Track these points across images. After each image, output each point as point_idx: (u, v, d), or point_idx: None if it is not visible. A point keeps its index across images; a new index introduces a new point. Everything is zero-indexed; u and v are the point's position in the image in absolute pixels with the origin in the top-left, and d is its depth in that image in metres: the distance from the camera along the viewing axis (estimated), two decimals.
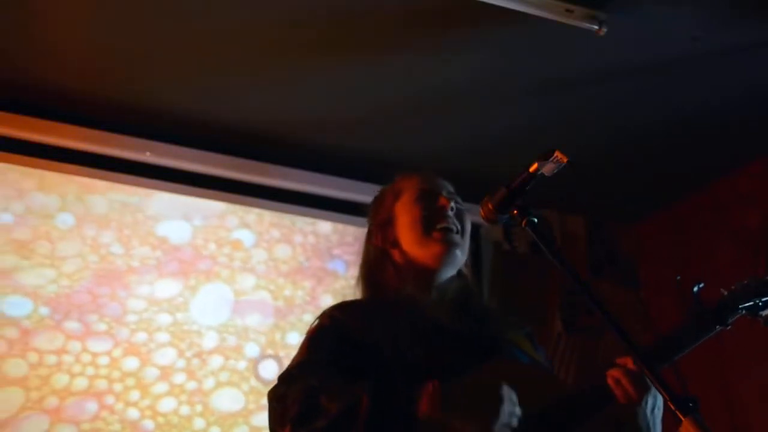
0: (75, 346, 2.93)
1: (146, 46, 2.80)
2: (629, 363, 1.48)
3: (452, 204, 1.73)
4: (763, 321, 1.52)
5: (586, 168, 3.16)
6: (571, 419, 1.47)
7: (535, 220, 1.41)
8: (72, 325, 2.95)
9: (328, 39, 2.78)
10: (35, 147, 3.09)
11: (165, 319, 3.09)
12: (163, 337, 3.06)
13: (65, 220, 3.08)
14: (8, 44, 2.80)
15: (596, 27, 2.59)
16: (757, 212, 3.49)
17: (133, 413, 2.92)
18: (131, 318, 3.04)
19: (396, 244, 1.75)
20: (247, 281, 3.28)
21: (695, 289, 1.50)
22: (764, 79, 2.98)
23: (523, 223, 1.42)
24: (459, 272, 1.77)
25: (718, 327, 1.50)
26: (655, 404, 1.49)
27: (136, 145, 3.22)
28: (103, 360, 2.96)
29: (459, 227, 1.72)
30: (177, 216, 3.27)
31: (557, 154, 1.36)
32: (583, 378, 3.61)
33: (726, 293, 1.52)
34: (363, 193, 3.45)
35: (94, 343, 2.96)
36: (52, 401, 2.84)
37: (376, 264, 1.76)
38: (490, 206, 1.46)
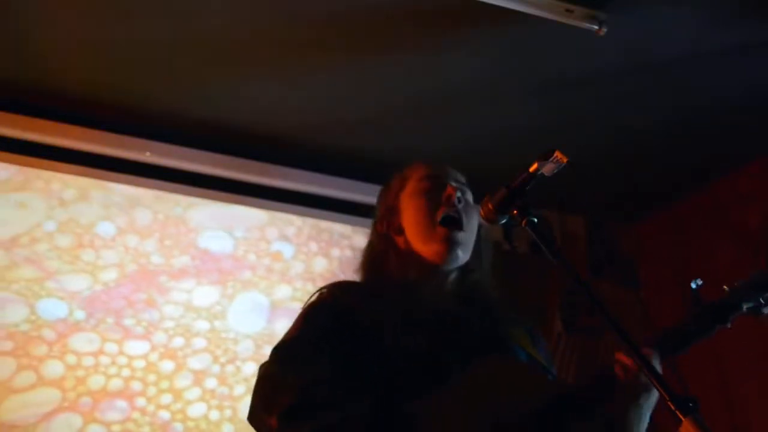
0: (112, 348, 2.98)
1: (146, 46, 2.80)
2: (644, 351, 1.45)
3: (458, 194, 1.69)
4: (765, 319, 1.51)
5: (586, 168, 3.16)
6: (565, 418, 1.45)
7: (535, 220, 1.40)
8: (109, 328, 3.00)
9: (329, 39, 2.78)
10: (35, 147, 3.09)
11: (202, 325, 3.14)
12: (199, 342, 3.11)
13: (107, 229, 3.14)
14: (8, 44, 2.80)
15: (596, 27, 2.59)
16: (757, 212, 3.49)
17: (164, 415, 2.96)
18: (169, 324, 3.08)
19: (400, 231, 1.72)
20: (284, 291, 3.32)
21: (693, 285, 1.49)
22: (764, 79, 2.98)
23: (523, 223, 1.41)
24: (463, 267, 1.73)
25: (718, 326, 1.49)
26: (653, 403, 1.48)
27: (136, 145, 3.22)
28: (139, 363, 3.01)
29: (463, 217, 1.67)
30: (219, 227, 3.31)
31: (557, 154, 1.36)
32: (583, 378, 3.61)
33: (727, 290, 1.50)
34: (363, 193, 3.47)
35: (130, 346, 3.01)
36: (86, 401, 2.88)
37: (379, 250, 1.74)
38: (490, 206, 1.46)
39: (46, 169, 3.11)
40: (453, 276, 1.70)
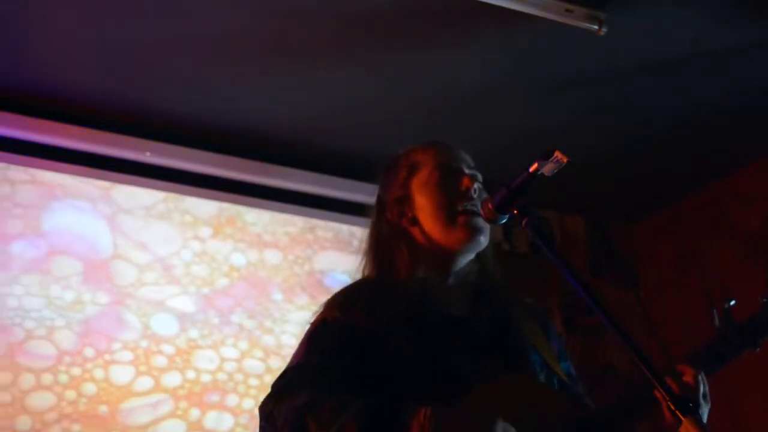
0: (230, 366, 3.12)
1: (146, 46, 2.80)
2: (687, 373, 1.40)
3: (476, 185, 1.64)
4: None
5: (586, 168, 3.15)
6: None
7: (535, 220, 1.40)
8: (226, 348, 3.14)
9: (329, 39, 2.78)
10: (35, 147, 3.09)
11: None
12: None
13: (239, 261, 3.29)
14: (8, 44, 2.80)
15: (596, 27, 2.59)
16: (757, 212, 3.49)
17: None
18: (287, 351, 3.14)
19: (415, 222, 1.66)
20: None
21: (726, 306, 1.43)
22: (764, 79, 2.98)
23: (523, 223, 1.41)
24: (478, 256, 1.69)
25: (747, 348, 1.45)
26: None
27: (136, 145, 3.22)
28: (254, 381, 3.13)
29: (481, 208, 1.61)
30: (343, 270, 3.36)
31: (557, 154, 1.35)
32: (584, 378, 3.61)
33: (758, 310, 1.45)
34: (363, 193, 3.44)
35: (248, 365, 3.15)
36: (196, 413, 3.01)
37: (390, 242, 1.67)
38: (490, 206, 1.46)
39: (47, 169, 3.11)
40: (470, 273, 1.67)
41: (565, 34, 2.64)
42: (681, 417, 1.17)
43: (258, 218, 3.38)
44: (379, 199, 1.78)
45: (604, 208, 3.96)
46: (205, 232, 3.29)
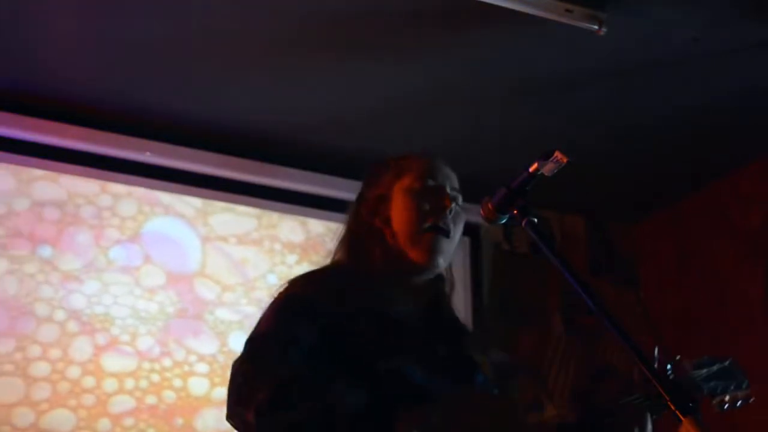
0: None
1: (146, 46, 2.80)
2: None
3: (453, 205, 1.66)
4: (717, 406, 1.52)
5: (586, 168, 3.15)
6: None
7: (535, 220, 1.40)
8: None
9: (328, 39, 2.78)
10: (36, 147, 3.09)
11: None
12: None
13: None
14: (8, 44, 2.80)
15: (596, 27, 2.59)
16: (758, 212, 3.49)
17: None
18: None
19: (388, 223, 1.68)
20: None
21: (669, 366, 1.44)
22: (764, 79, 2.98)
23: (523, 223, 1.41)
24: (442, 274, 1.72)
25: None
26: None
27: (136, 145, 3.22)
28: None
29: (452, 228, 1.66)
30: None
31: (557, 154, 1.36)
32: (584, 378, 3.61)
33: (686, 371, 1.49)
34: None
35: None
36: None
37: (364, 239, 1.70)
38: (490, 206, 1.46)
39: (47, 169, 3.11)
40: (423, 280, 1.69)
41: (565, 34, 2.64)
42: (681, 417, 1.17)
43: None
44: (360, 195, 1.80)
45: (604, 208, 3.96)
46: (292, 258, 3.38)
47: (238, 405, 1.39)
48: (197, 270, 3.21)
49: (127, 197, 3.20)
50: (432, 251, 1.63)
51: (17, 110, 3.05)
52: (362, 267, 1.66)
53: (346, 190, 3.46)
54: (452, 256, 1.70)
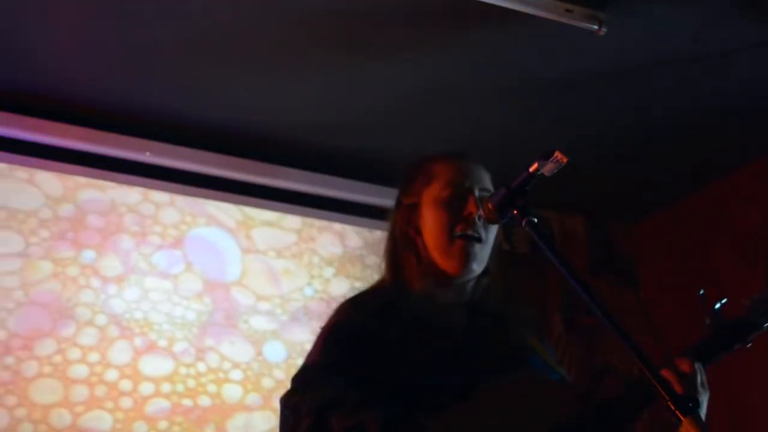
0: None
1: (146, 46, 2.80)
2: (684, 364, 1.45)
3: (480, 212, 1.60)
4: None
5: (586, 168, 3.16)
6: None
7: (535, 220, 1.40)
8: None
9: (328, 39, 2.78)
10: (35, 147, 3.09)
11: None
12: None
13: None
14: (8, 44, 2.80)
15: (596, 27, 2.59)
16: (757, 212, 3.49)
17: None
18: None
19: (419, 232, 1.69)
20: None
21: (717, 305, 1.48)
22: (764, 79, 2.98)
23: (523, 223, 1.41)
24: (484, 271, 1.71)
25: (738, 345, 1.50)
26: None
27: (136, 145, 3.22)
28: None
29: (482, 234, 1.64)
30: None
31: (557, 154, 1.36)
32: (583, 378, 3.61)
33: (746, 308, 1.50)
34: (363, 193, 3.47)
35: None
36: None
37: (401, 247, 1.70)
38: (490, 206, 1.46)
39: (47, 169, 3.11)
40: (468, 285, 1.69)
41: (565, 34, 2.64)
42: (681, 417, 1.17)
43: (376, 260, 3.46)
44: (397, 201, 1.79)
45: (604, 208, 3.96)
46: (329, 271, 3.42)
47: None
48: (235, 279, 3.28)
49: (169, 206, 3.27)
50: (464, 259, 1.63)
51: (17, 110, 3.05)
52: (401, 282, 1.67)
53: (346, 190, 3.48)
54: (487, 258, 1.68)
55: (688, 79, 2.98)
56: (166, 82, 3.01)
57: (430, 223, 1.67)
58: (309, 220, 3.47)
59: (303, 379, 1.53)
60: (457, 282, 1.67)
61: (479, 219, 1.62)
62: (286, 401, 1.50)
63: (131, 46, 2.80)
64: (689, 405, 1.18)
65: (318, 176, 3.46)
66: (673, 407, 1.18)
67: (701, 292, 1.49)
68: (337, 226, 3.50)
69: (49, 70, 2.94)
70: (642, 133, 3.34)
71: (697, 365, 1.44)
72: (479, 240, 1.64)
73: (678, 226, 3.88)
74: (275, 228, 3.42)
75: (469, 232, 1.63)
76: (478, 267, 1.66)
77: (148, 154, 3.23)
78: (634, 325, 3.58)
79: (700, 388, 1.43)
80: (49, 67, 2.92)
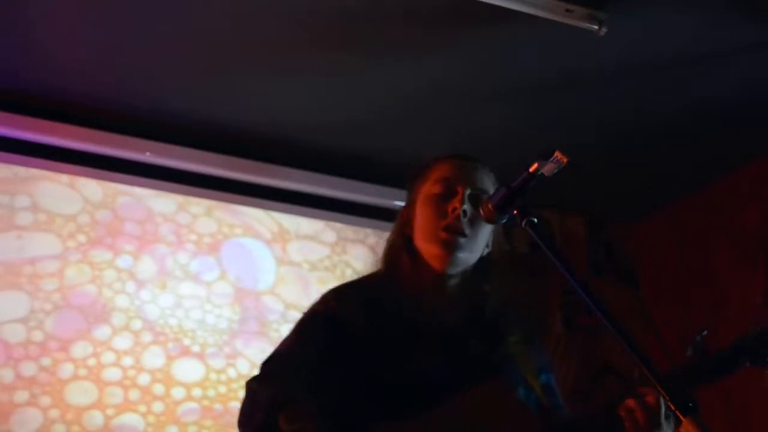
0: None
1: (146, 45, 2.80)
2: (650, 396, 1.44)
3: (465, 207, 1.63)
4: None
5: (586, 168, 3.16)
6: None
7: (535, 220, 1.40)
8: None
9: (328, 39, 2.78)
10: (35, 147, 3.09)
11: None
12: None
13: None
14: (8, 44, 2.80)
15: (596, 27, 2.58)
16: (757, 212, 3.49)
17: None
18: None
19: (412, 228, 1.70)
20: None
21: (698, 339, 1.49)
22: (764, 79, 2.98)
23: (523, 223, 1.41)
24: (483, 268, 1.70)
25: (716, 378, 1.54)
26: None
27: (136, 145, 3.22)
28: None
29: (466, 229, 1.62)
30: None
31: (557, 154, 1.36)
32: (584, 378, 3.61)
33: (731, 343, 1.54)
34: (363, 193, 3.48)
35: None
36: None
37: (396, 244, 1.71)
38: (490, 206, 1.46)
39: (46, 169, 3.11)
40: (456, 283, 1.67)
41: (565, 34, 2.64)
42: (681, 417, 1.17)
43: None
44: (406, 201, 1.81)
45: (604, 208, 3.96)
46: None
47: (240, 425, 1.47)
48: (268, 288, 3.35)
49: (205, 216, 3.34)
50: (446, 253, 1.62)
51: (17, 110, 3.06)
52: (394, 275, 1.67)
53: (347, 190, 3.48)
54: (476, 252, 1.67)
55: (687, 79, 2.98)
56: (166, 82, 3.01)
57: (419, 218, 1.68)
58: (343, 234, 3.51)
59: (268, 367, 1.54)
60: (445, 277, 1.65)
61: (464, 215, 1.62)
62: (249, 386, 1.51)
63: (132, 46, 2.80)
64: (689, 405, 1.18)
65: (318, 176, 3.47)
66: (673, 407, 1.18)
67: (704, 332, 1.49)
68: (371, 240, 3.52)
69: (49, 70, 2.94)
70: (642, 133, 3.34)
71: (660, 398, 1.43)
72: (463, 234, 1.62)
73: (678, 226, 3.88)
74: (310, 241, 3.47)
75: (452, 226, 1.62)
76: (464, 256, 1.64)
77: (148, 154, 3.23)
78: (634, 325, 3.58)
79: (663, 421, 1.43)
80: (49, 67, 2.92)
